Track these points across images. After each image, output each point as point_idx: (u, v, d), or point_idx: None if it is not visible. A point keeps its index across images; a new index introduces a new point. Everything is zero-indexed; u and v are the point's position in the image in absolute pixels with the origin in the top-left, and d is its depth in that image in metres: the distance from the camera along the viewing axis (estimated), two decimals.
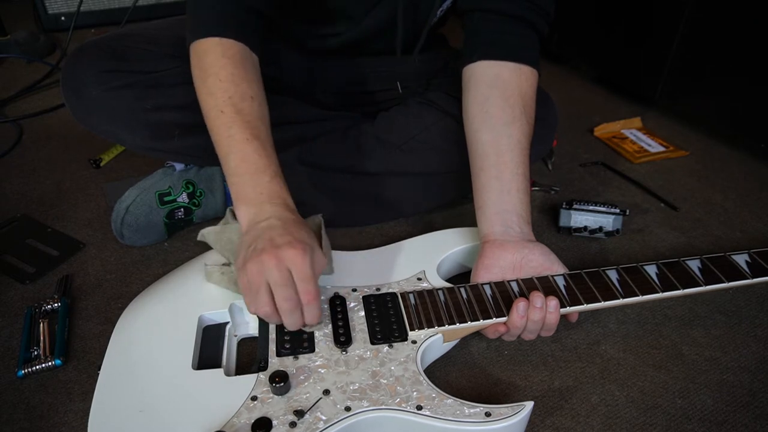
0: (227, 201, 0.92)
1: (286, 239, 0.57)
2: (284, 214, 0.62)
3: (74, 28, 1.57)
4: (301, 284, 0.57)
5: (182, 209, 0.88)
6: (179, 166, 0.88)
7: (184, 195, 0.87)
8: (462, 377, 0.68)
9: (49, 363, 0.68)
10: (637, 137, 1.22)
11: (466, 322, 0.64)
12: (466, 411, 0.56)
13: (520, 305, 0.64)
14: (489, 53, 0.75)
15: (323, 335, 0.64)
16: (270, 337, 0.64)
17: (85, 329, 0.74)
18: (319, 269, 0.59)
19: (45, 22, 1.76)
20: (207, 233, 0.71)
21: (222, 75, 0.67)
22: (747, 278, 0.69)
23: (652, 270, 0.69)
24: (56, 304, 0.76)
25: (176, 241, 0.90)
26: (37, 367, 0.68)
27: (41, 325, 0.73)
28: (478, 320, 0.65)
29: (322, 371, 0.60)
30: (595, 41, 1.43)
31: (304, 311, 0.59)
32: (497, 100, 0.74)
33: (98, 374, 0.60)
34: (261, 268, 0.56)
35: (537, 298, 0.64)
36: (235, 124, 0.65)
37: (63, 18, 1.76)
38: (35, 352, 0.70)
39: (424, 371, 0.61)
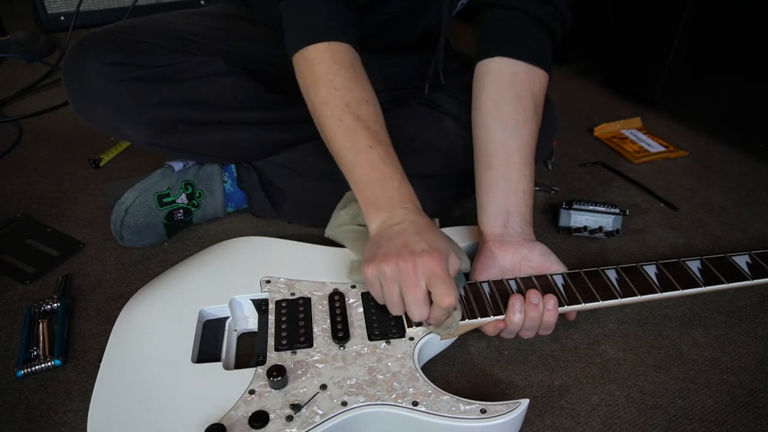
0: (227, 201, 0.91)
1: (421, 246, 0.59)
2: (416, 218, 0.64)
3: (74, 28, 1.57)
4: (442, 287, 0.57)
5: (181, 210, 0.87)
6: (178, 167, 0.88)
7: (183, 196, 0.87)
8: (462, 377, 0.68)
9: (49, 363, 0.68)
10: (637, 137, 1.22)
11: (464, 319, 0.65)
12: (462, 408, 0.56)
13: (516, 303, 0.64)
14: (508, 51, 0.75)
15: (321, 330, 0.64)
16: (269, 332, 0.64)
17: (84, 329, 0.74)
18: (453, 272, 0.60)
19: (44, 22, 1.76)
20: (335, 233, 0.75)
21: (336, 83, 0.67)
22: (747, 279, 0.69)
23: (651, 270, 0.69)
24: (56, 304, 0.75)
25: (176, 241, 0.90)
26: (37, 367, 0.68)
27: (41, 325, 0.73)
28: (476, 318, 0.65)
29: (320, 366, 0.60)
30: (594, 41, 1.43)
31: (449, 315, 0.61)
32: (511, 99, 0.74)
33: (99, 366, 0.61)
34: (396, 271, 0.59)
35: (533, 295, 0.64)
36: (357, 132, 0.66)
37: (62, 18, 1.76)
38: (35, 352, 0.70)
39: (423, 369, 0.61)
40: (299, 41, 0.70)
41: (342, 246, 0.75)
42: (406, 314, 0.65)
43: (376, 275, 0.61)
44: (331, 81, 0.68)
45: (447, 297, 0.57)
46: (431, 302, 0.59)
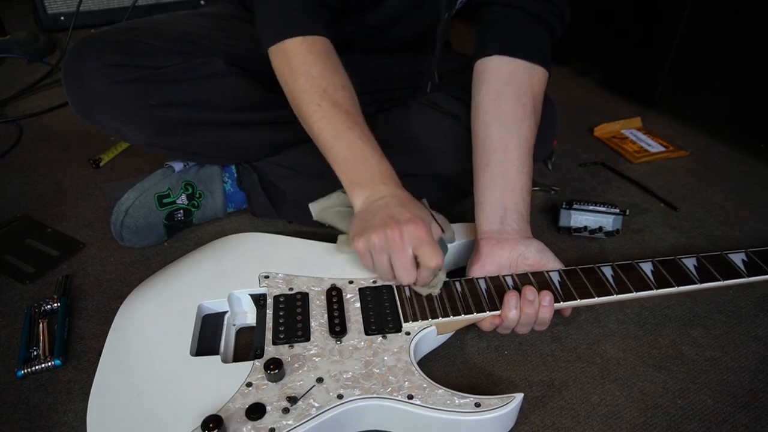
0: (227, 202, 0.91)
1: (406, 216, 0.63)
2: (398, 192, 0.68)
3: (74, 28, 1.57)
4: (428, 250, 0.62)
5: (182, 211, 0.87)
6: (178, 167, 0.88)
7: (184, 197, 0.87)
8: (461, 377, 0.68)
9: (49, 363, 0.68)
10: (637, 137, 1.22)
11: (460, 315, 0.65)
12: (457, 401, 0.57)
13: (512, 299, 0.64)
14: (506, 49, 0.75)
15: (318, 325, 0.65)
16: (267, 326, 0.65)
17: (84, 329, 0.74)
18: (435, 238, 0.65)
19: (45, 22, 1.76)
20: (319, 214, 0.77)
21: (314, 71, 0.71)
22: (743, 277, 0.69)
23: (647, 267, 0.70)
24: (56, 304, 0.76)
25: (176, 241, 0.90)
26: (37, 367, 0.68)
27: (41, 325, 0.73)
28: (472, 313, 0.65)
29: (317, 360, 0.61)
30: (595, 41, 1.43)
31: (436, 276, 0.65)
32: (510, 97, 0.74)
33: (98, 360, 0.61)
34: (384, 240, 0.63)
35: (529, 291, 0.65)
36: (335, 116, 0.69)
37: (63, 18, 1.76)
38: (35, 352, 0.70)
39: (423, 370, 0.61)
40: (276, 35, 0.73)
41: (333, 242, 0.76)
42: (402, 309, 0.66)
43: (367, 246, 0.64)
44: (309, 70, 0.70)
45: (433, 259, 0.62)
46: (418, 267, 0.64)
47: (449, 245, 0.73)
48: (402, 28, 0.87)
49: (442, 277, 0.66)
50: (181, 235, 0.91)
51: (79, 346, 0.72)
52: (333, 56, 0.73)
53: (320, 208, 0.76)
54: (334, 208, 0.76)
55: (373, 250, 0.64)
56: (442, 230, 0.68)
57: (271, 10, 0.74)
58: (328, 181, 0.91)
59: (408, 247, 0.62)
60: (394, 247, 0.63)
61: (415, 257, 0.63)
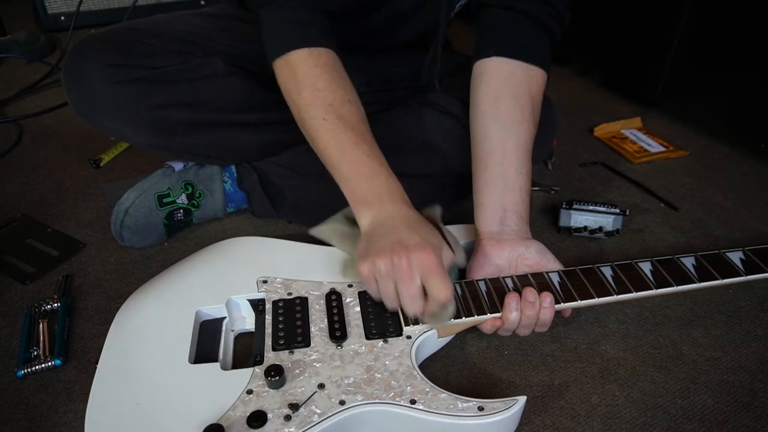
0: (227, 202, 0.91)
1: (415, 241, 0.60)
2: (407, 212, 0.65)
3: (74, 28, 1.57)
4: (437, 282, 0.59)
5: (181, 210, 0.87)
6: (178, 167, 0.88)
7: (183, 196, 0.87)
8: (462, 377, 0.68)
9: (49, 363, 0.68)
10: (637, 137, 1.22)
11: (461, 317, 0.65)
12: (460, 405, 0.56)
13: (512, 301, 0.64)
14: (505, 51, 0.75)
15: (319, 330, 0.65)
16: (266, 331, 0.64)
17: (84, 329, 0.74)
18: (447, 265, 0.61)
19: (45, 22, 1.76)
20: (320, 230, 0.74)
21: (319, 84, 0.68)
22: (741, 275, 0.69)
23: (646, 267, 0.70)
24: (56, 304, 0.76)
25: (176, 241, 0.90)
26: (37, 367, 0.68)
27: (41, 325, 0.73)
28: (473, 316, 0.65)
29: (318, 365, 0.61)
30: (595, 41, 1.43)
31: (444, 308, 0.61)
32: (509, 98, 0.74)
33: (95, 369, 0.61)
34: (390, 267, 0.59)
35: (529, 293, 0.65)
36: (341, 130, 0.67)
37: (63, 18, 1.77)
38: (35, 352, 0.70)
39: (423, 369, 0.61)
40: (281, 47, 0.71)
41: (331, 245, 0.75)
42: (402, 312, 0.66)
43: (372, 271, 0.61)
44: (314, 83, 0.69)
45: (442, 291, 0.59)
46: (425, 295, 0.60)
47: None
48: (403, 29, 0.87)
49: (451, 308, 0.62)
50: (181, 235, 0.91)
51: (79, 346, 0.72)
52: (339, 69, 0.72)
53: (320, 231, 0.75)
54: (333, 224, 0.74)
55: (379, 276, 0.60)
56: (454, 253, 0.64)
57: (276, 22, 0.72)
58: (329, 181, 0.91)
59: (416, 276, 0.59)
60: (401, 275, 0.59)
61: (424, 286, 0.60)
